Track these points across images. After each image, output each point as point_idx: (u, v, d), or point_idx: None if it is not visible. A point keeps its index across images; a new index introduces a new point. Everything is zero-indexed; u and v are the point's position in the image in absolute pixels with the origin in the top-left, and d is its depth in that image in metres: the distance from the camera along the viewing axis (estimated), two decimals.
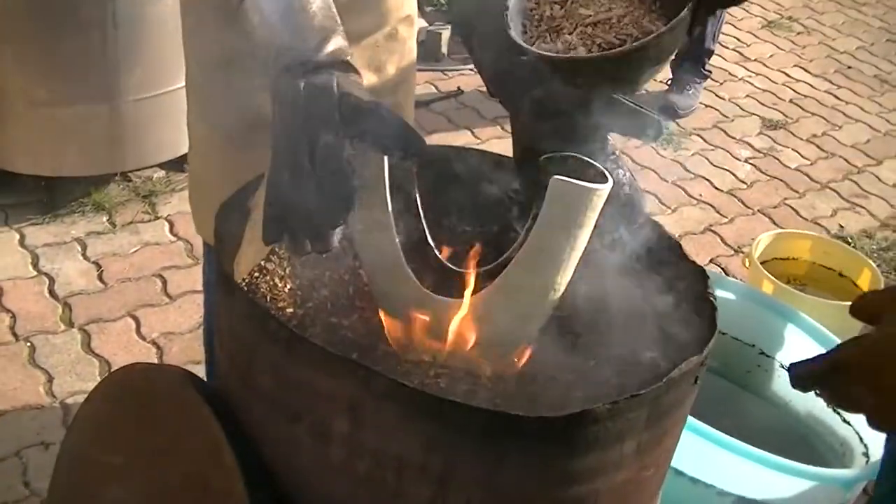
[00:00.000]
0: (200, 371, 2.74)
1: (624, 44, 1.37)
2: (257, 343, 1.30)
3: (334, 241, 1.20)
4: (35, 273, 3.30)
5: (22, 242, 3.43)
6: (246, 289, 1.56)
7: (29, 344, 2.99)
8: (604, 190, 1.30)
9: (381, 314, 1.46)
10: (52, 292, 3.22)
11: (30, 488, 2.53)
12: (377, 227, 1.38)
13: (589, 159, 1.37)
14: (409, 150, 1.23)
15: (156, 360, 2.96)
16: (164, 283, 3.32)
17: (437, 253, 1.50)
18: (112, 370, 2.75)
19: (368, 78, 1.81)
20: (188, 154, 2.08)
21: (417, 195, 1.50)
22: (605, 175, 1.33)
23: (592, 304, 1.49)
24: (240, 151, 1.77)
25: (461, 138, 4.40)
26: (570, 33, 1.41)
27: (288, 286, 1.59)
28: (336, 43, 1.28)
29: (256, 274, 1.60)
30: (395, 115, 1.23)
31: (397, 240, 1.40)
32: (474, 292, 1.40)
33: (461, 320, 1.38)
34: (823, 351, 2.55)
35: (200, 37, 1.83)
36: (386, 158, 1.30)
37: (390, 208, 1.37)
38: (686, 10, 1.32)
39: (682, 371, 1.27)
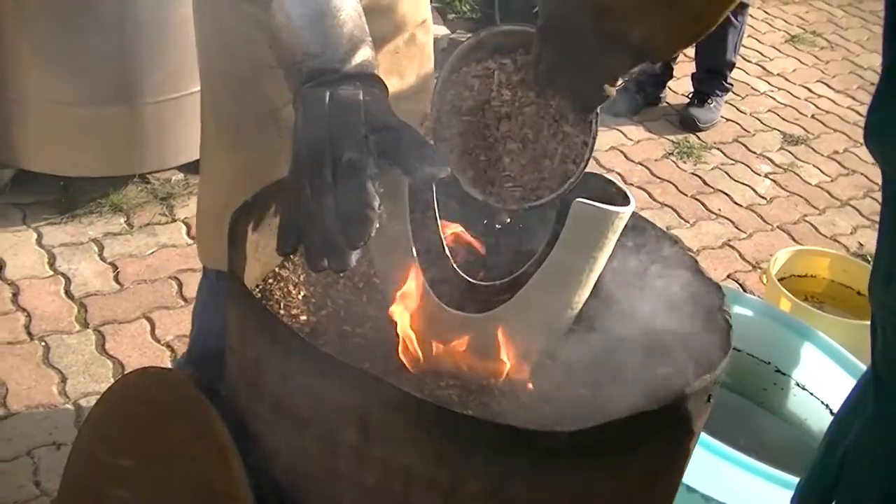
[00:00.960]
0: None
1: (567, 159, 1.39)
2: (267, 349, 1.30)
3: (352, 262, 1.18)
4: (51, 273, 3.30)
5: (39, 242, 3.43)
6: (258, 295, 1.56)
7: (43, 344, 2.99)
8: (626, 212, 1.30)
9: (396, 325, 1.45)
10: (67, 292, 3.22)
11: (40, 488, 2.53)
12: (395, 243, 1.38)
13: (611, 178, 1.38)
14: (433, 175, 1.20)
15: (170, 363, 2.95)
16: (180, 285, 3.32)
17: (454, 264, 1.49)
18: (126, 372, 2.76)
19: (391, 84, 1.81)
20: (199, 184, 2.05)
21: (436, 205, 1.49)
22: (626, 195, 1.33)
23: (607, 319, 1.48)
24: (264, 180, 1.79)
25: None
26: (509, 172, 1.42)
27: (302, 293, 1.59)
28: (364, 54, 1.26)
29: (270, 280, 1.60)
30: (420, 137, 1.21)
31: (415, 253, 1.39)
32: (491, 306, 1.39)
33: (476, 334, 1.38)
34: (842, 371, 2.53)
35: (224, 52, 1.82)
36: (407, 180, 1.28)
37: (409, 226, 1.37)
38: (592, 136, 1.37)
39: (695, 388, 1.27)
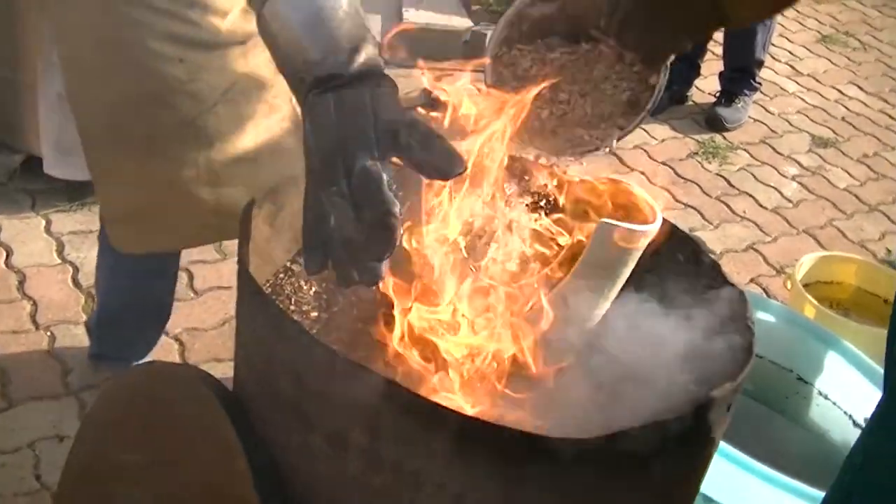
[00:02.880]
0: (223, 368, 2.72)
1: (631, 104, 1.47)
2: (276, 347, 1.29)
3: (383, 272, 1.16)
4: (59, 261, 3.26)
5: (48, 229, 3.38)
6: (269, 290, 1.54)
7: (49, 333, 2.94)
8: (651, 230, 1.35)
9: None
10: (75, 281, 3.18)
11: (41, 481, 2.48)
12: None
13: (638, 188, 1.42)
14: (451, 173, 1.17)
15: (178, 356, 2.91)
16: (191, 277, 3.27)
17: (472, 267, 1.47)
18: None
19: None
20: (98, 185, 2.08)
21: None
22: (653, 207, 1.38)
23: (627, 326, 1.46)
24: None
25: None
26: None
27: (313, 289, 1.58)
28: (367, 52, 1.22)
29: (281, 275, 1.59)
30: (435, 133, 1.18)
31: (430, 252, 1.38)
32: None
33: (493, 340, 1.39)
34: (866, 381, 2.51)
35: (130, 73, 1.87)
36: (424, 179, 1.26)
37: (425, 227, 1.35)
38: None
39: (714, 397, 1.26)
